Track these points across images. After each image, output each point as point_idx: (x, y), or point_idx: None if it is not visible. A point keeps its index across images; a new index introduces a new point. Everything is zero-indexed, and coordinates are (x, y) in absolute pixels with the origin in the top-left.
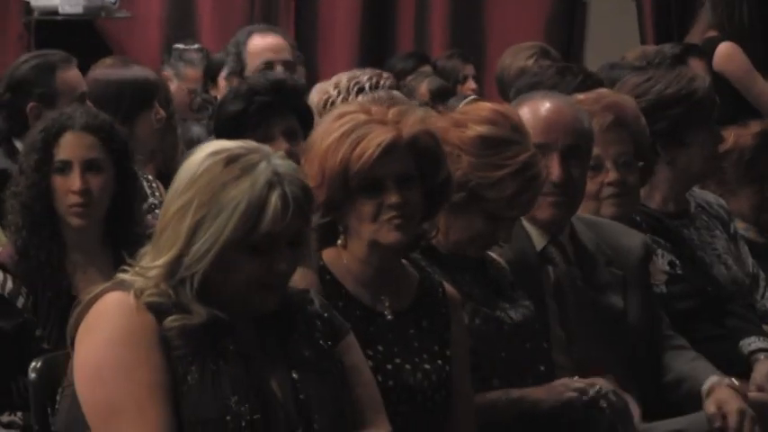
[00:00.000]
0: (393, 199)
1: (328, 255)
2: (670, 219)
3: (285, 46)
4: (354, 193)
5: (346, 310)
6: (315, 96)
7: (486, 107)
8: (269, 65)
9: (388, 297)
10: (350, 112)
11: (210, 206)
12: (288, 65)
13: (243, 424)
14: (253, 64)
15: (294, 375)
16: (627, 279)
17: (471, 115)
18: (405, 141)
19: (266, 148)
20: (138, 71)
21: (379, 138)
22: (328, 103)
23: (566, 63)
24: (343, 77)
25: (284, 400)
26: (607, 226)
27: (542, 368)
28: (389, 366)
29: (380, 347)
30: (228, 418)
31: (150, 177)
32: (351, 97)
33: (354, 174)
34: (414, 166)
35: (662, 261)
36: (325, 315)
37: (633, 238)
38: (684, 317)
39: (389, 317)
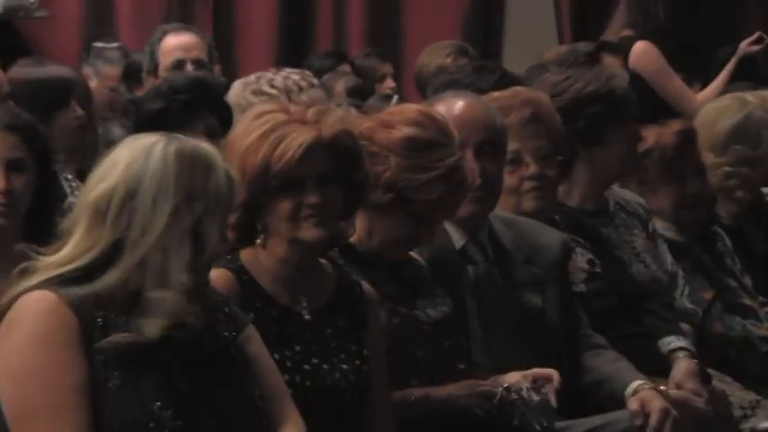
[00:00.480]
0: (312, 198)
1: (246, 255)
2: (589, 217)
3: (197, 44)
4: (274, 192)
5: (264, 311)
6: (237, 93)
7: (413, 109)
8: (179, 63)
9: (305, 296)
10: (269, 112)
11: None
12: (199, 63)
13: (165, 430)
14: (165, 62)
15: (201, 373)
16: (545, 278)
17: (398, 116)
18: (325, 141)
19: (175, 135)
20: (54, 70)
21: (300, 138)
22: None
23: (482, 62)
24: (275, 77)
25: (197, 399)
26: (525, 224)
27: (461, 366)
28: (307, 366)
29: (298, 347)
30: (152, 425)
31: (70, 176)
32: (292, 97)
33: (275, 173)
34: (333, 166)
35: (581, 259)
36: (225, 308)
37: (551, 237)
38: (603, 315)
39: (307, 316)
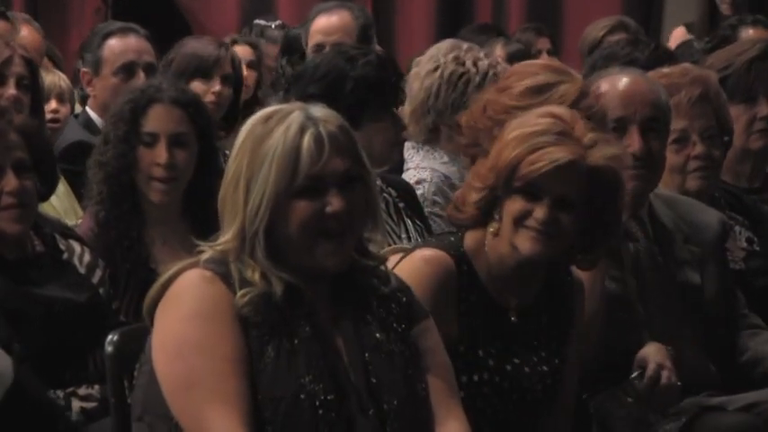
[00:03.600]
0: (542, 214)
1: (471, 240)
2: (748, 194)
3: (341, 27)
4: (513, 191)
5: (476, 304)
6: (441, 50)
7: (524, 63)
8: (319, 48)
9: (515, 295)
10: (553, 115)
11: (254, 164)
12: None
13: (316, 403)
14: (310, 44)
15: (366, 357)
16: (704, 256)
17: (513, 76)
18: (584, 167)
19: (305, 104)
20: (197, 46)
21: (557, 155)
22: (463, 78)
23: (638, 37)
24: (483, 59)
25: (357, 382)
26: (685, 203)
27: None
28: (508, 367)
29: (501, 346)
30: (303, 396)
31: (228, 152)
32: (487, 81)
33: (520, 176)
34: (581, 194)
35: (739, 238)
36: (403, 299)
37: (710, 216)
38: (762, 293)
39: (513, 318)
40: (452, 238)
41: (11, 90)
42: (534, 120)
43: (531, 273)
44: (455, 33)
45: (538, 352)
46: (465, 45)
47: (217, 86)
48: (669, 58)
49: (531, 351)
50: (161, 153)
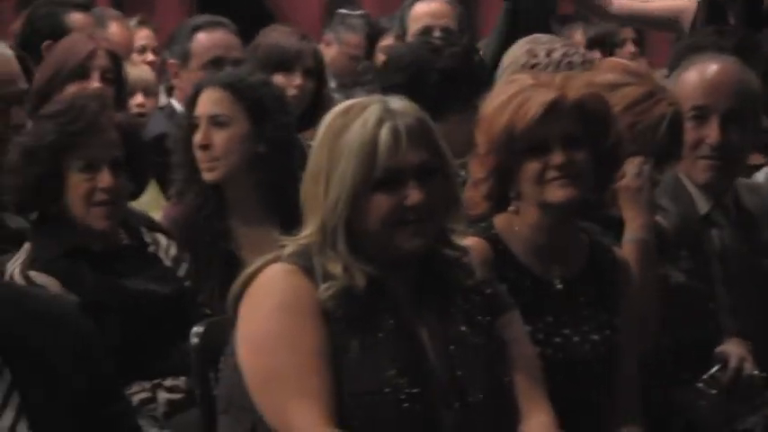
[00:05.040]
0: (558, 159)
1: (501, 222)
2: None
3: (447, 11)
4: (519, 155)
5: (516, 280)
6: (517, 50)
7: (607, 60)
8: (428, 30)
9: (558, 265)
10: (518, 79)
11: (332, 157)
12: (447, 31)
13: (401, 397)
14: (413, 28)
15: (451, 349)
16: None
17: (589, 72)
18: (570, 103)
19: (386, 96)
20: (279, 37)
21: (541, 98)
22: (534, 69)
23: (723, 25)
24: (554, 47)
25: (441, 375)
26: None
27: (709, 329)
28: (558, 339)
29: (550, 318)
30: (387, 390)
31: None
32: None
33: (519, 135)
34: (579, 128)
35: None
36: (487, 290)
37: None
38: None
39: (559, 286)
40: (482, 224)
41: (95, 83)
42: (502, 89)
43: (567, 234)
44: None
45: (587, 322)
46: (545, 37)
47: (298, 80)
48: (757, 48)
49: (580, 321)
50: (198, 135)
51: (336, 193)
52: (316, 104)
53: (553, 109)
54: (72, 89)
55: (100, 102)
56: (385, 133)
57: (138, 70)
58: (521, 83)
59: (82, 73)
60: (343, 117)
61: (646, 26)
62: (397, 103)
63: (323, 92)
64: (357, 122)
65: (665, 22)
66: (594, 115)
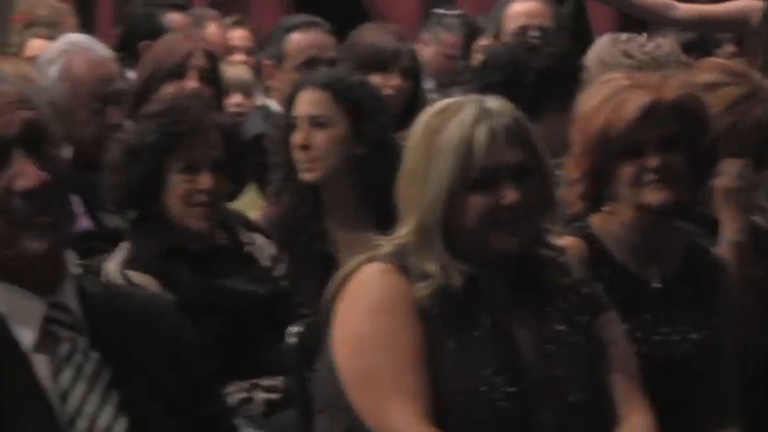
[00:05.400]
0: (654, 162)
1: (596, 221)
2: None
3: (542, 11)
4: (615, 158)
5: (613, 279)
6: (604, 48)
7: (709, 60)
8: (523, 30)
9: (655, 264)
10: (614, 79)
11: (428, 157)
12: (544, 30)
13: (498, 396)
14: (508, 28)
15: (549, 348)
16: None
17: (689, 71)
18: (666, 104)
19: (483, 96)
20: (375, 37)
21: (638, 100)
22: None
23: None
24: (646, 43)
25: (538, 375)
26: None
27: None
28: (657, 337)
29: (647, 317)
30: (484, 389)
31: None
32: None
33: (614, 138)
34: (676, 130)
35: None
36: (584, 290)
37: None
38: None
39: (657, 285)
40: (578, 224)
41: (192, 83)
42: (597, 91)
43: (664, 233)
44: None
45: (686, 321)
46: (623, 36)
47: (395, 80)
48: None
49: (678, 320)
50: (297, 135)
51: (433, 192)
52: (411, 105)
53: (650, 112)
54: (169, 89)
55: (201, 103)
56: (482, 133)
57: (236, 70)
58: (617, 83)
59: (179, 73)
60: (439, 116)
61: (714, 30)
62: (494, 102)
63: (418, 92)
64: (453, 122)
65: (734, 24)
66: (691, 116)
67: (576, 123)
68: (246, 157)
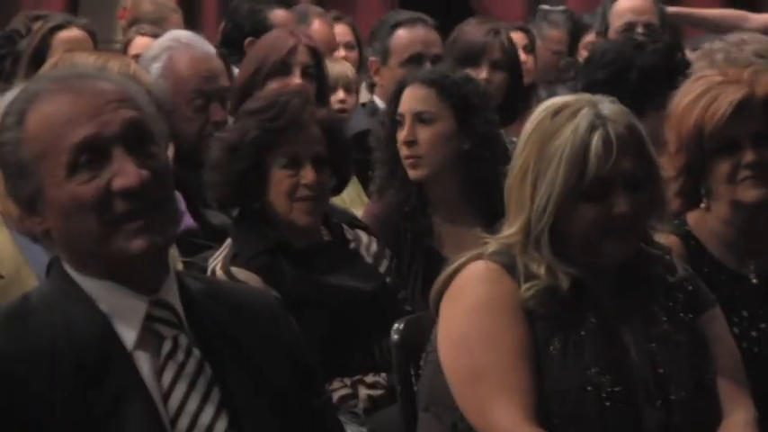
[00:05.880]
0: (749, 158)
1: (693, 218)
2: None
3: (649, 8)
4: (710, 154)
5: (711, 275)
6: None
7: None
8: (630, 26)
9: (753, 260)
10: (706, 75)
11: (541, 160)
12: (649, 27)
13: (603, 395)
14: (615, 24)
15: (653, 347)
16: None
17: None
18: (759, 99)
19: (596, 97)
20: (470, 33)
21: (731, 96)
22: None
23: None
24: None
25: (644, 373)
26: None
27: None
28: (754, 333)
29: (745, 313)
30: (589, 388)
31: (515, 140)
32: None
33: (709, 134)
34: None
35: None
36: (689, 287)
37: None
38: None
39: (755, 280)
40: (675, 221)
41: (296, 79)
42: (690, 88)
43: (761, 228)
44: None
45: None
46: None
47: (484, 73)
48: None
49: None
50: (402, 132)
51: (544, 197)
52: (510, 98)
53: (743, 107)
54: (273, 85)
55: (302, 98)
56: (596, 142)
57: (340, 66)
58: (709, 80)
59: (283, 69)
60: (552, 119)
61: None
62: (608, 107)
63: (518, 85)
64: (568, 127)
65: None
66: None
67: (670, 121)
68: (349, 151)
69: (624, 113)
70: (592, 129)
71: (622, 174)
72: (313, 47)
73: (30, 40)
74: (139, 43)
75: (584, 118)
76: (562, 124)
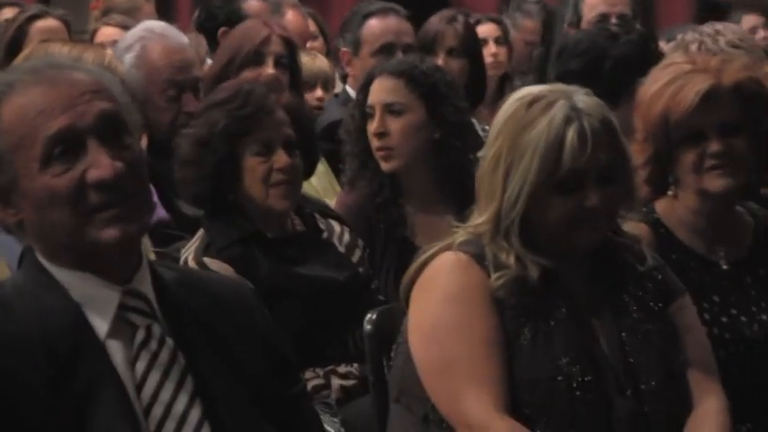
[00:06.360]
0: (715, 147)
1: (661, 206)
2: None
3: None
4: (676, 143)
5: (681, 262)
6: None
7: None
8: (604, 17)
9: (723, 246)
10: (674, 63)
11: (515, 151)
12: (623, 18)
13: (574, 385)
14: (588, 16)
15: (623, 336)
16: None
17: None
18: (725, 89)
19: (571, 88)
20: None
21: (697, 86)
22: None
23: None
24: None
25: (614, 363)
26: None
27: None
28: (725, 318)
29: (716, 298)
30: (560, 378)
31: (487, 128)
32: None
33: (674, 124)
34: (737, 114)
35: None
36: (659, 276)
37: None
38: None
39: (725, 266)
40: (644, 209)
41: (269, 69)
42: (658, 75)
43: (729, 216)
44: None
45: (757, 302)
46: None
47: (440, 61)
48: None
49: (748, 301)
50: (373, 124)
51: (516, 189)
52: (472, 84)
53: (709, 97)
54: (247, 75)
55: (265, 85)
56: (571, 135)
57: (319, 62)
58: (677, 68)
59: (256, 59)
60: (526, 109)
61: None
62: (583, 99)
63: (480, 71)
64: (543, 120)
65: None
66: (753, 100)
67: (638, 108)
68: (314, 134)
69: (599, 106)
70: (567, 122)
71: (596, 167)
72: (286, 37)
73: (5, 29)
74: (105, 33)
75: (559, 110)
76: (537, 116)
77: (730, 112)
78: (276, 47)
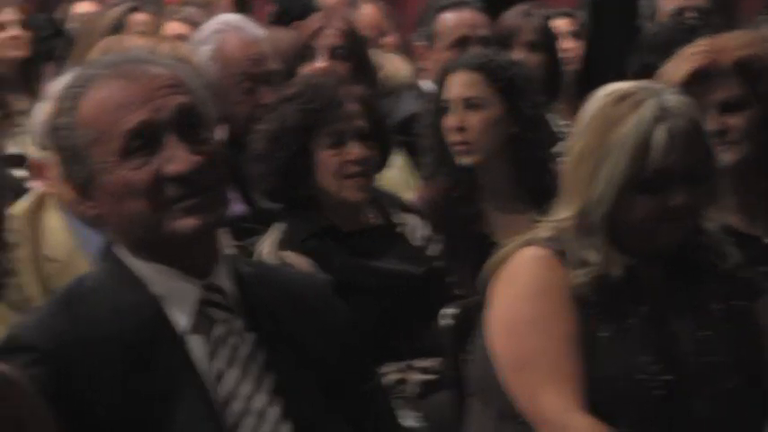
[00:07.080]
0: (713, 125)
1: None
2: None
3: None
4: None
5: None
6: None
7: None
8: (681, 10)
9: (763, 222)
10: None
11: (602, 148)
12: (700, 11)
13: (653, 384)
14: (664, 9)
15: (704, 335)
16: None
17: None
18: (725, 66)
19: (659, 85)
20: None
21: (692, 65)
22: None
23: None
24: None
25: (693, 362)
26: None
27: None
28: None
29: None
30: (638, 376)
31: (563, 123)
32: None
33: None
34: (738, 92)
35: None
36: (743, 275)
37: None
38: None
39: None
40: None
41: (321, 62)
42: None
43: (750, 189)
44: None
45: None
46: None
47: (516, 55)
48: None
49: None
50: (451, 118)
51: (602, 186)
52: (549, 78)
53: (702, 77)
54: (303, 69)
55: (335, 77)
56: (660, 135)
57: (398, 63)
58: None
59: (307, 53)
60: (615, 106)
61: None
62: (672, 99)
63: (557, 66)
64: (632, 118)
65: None
66: (755, 74)
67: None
68: (387, 125)
69: (687, 106)
70: (656, 121)
71: (682, 167)
72: (345, 29)
73: (100, 19)
74: (171, 27)
75: (648, 109)
76: (625, 113)
77: (726, 90)
78: (330, 39)
